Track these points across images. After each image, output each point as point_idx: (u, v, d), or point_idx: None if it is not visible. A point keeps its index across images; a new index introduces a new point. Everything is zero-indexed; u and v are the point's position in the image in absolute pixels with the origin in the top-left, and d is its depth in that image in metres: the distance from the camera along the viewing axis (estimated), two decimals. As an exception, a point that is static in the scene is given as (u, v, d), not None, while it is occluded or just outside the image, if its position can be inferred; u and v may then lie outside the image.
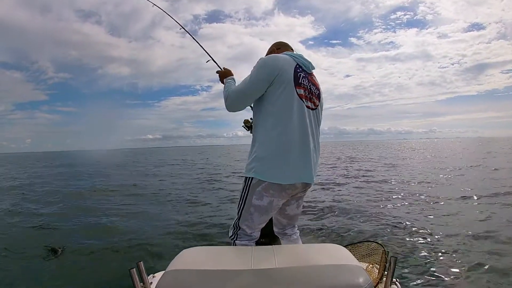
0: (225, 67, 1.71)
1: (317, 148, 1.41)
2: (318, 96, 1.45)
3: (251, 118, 1.94)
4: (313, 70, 1.48)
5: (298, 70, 1.36)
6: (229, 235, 1.43)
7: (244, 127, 2.01)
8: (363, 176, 10.71)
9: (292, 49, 1.61)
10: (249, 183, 1.31)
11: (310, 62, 1.44)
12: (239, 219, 1.38)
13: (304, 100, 1.35)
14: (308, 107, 1.36)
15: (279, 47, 1.60)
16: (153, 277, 1.19)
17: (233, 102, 1.44)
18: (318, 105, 1.43)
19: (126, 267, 1.02)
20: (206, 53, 2.06)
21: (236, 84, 1.52)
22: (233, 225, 1.41)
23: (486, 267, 2.88)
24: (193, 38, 2.28)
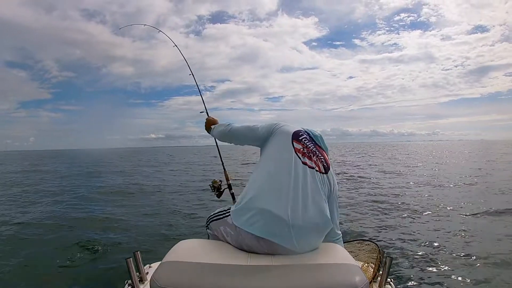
0: (213, 117, 1.80)
1: (315, 213, 1.13)
2: (325, 168, 1.28)
3: (220, 180, 1.99)
4: (327, 151, 1.38)
5: (301, 133, 1.32)
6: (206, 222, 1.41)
7: (210, 187, 1.99)
8: (363, 177, 10.56)
9: None
10: (227, 214, 1.24)
11: (322, 137, 1.38)
12: (210, 221, 1.33)
13: (300, 155, 1.22)
14: (305, 163, 1.21)
15: None
16: (149, 267, 1.18)
17: (229, 133, 1.52)
18: (323, 172, 1.25)
19: (123, 256, 1.02)
20: (201, 99, 2.22)
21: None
22: (207, 218, 1.37)
23: (480, 270, 2.85)
24: (194, 80, 2.43)
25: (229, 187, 2.01)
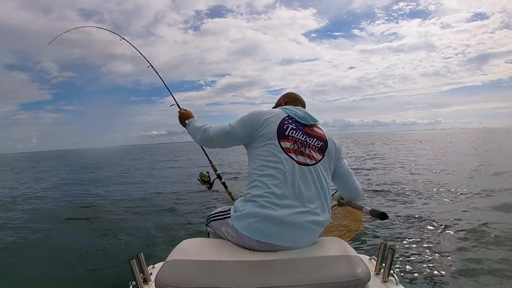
0: (185, 109, 1.70)
1: (314, 211, 1.16)
2: (321, 149, 1.26)
3: (207, 172, 1.99)
4: (317, 123, 1.33)
5: (286, 122, 1.25)
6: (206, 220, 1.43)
7: (199, 181, 1.98)
8: (368, 166, 10.54)
9: (302, 103, 1.49)
10: (227, 215, 1.24)
11: (307, 114, 1.30)
12: (211, 220, 1.35)
13: (292, 154, 1.19)
14: (299, 162, 1.19)
15: (288, 101, 1.48)
16: (153, 267, 1.19)
17: (207, 140, 1.42)
18: (319, 160, 1.24)
19: (126, 258, 1.02)
20: (170, 94, 2.15)
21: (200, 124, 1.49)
22: (207, 217, 1.40)
23: (486, 266, 2.79)
24: (158, 75, 2.36)
25: (219, 177, 2.01)
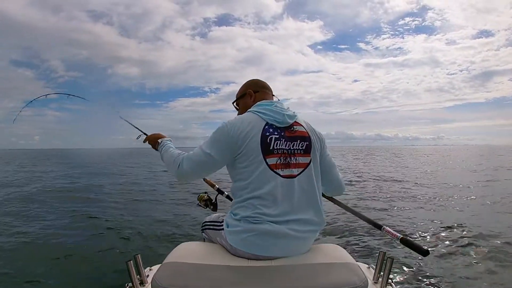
0: (153, 132, 1.52)
1: (308, 220, 1.14)
2: (307, 149, 1.19)
3: (205, 192, 1.80)
4: (296, 119, 1.22)
5: (268, 133, 1.14)
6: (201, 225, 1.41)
7: (200, 206, 1.79)
8: (373, 176, 10.55)
9: (271, 90, 1.38)
10: (221, 226, 1.21)
11: (285, 116, 1.18)
12: (206, 228, 1.34)
13: (279, 170, 1.12)
14: (286, 176, 1.12)
15: (257, 90, 1.34)
16: (150, 270, 1.19)
17: (184, 176, 1.22)
18: (306, 164, 1.17)
19: (123, 259, 1.03)
20: (132, 125, 1.83)
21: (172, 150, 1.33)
22: (203, 223, 1.38)
23: (486, 279, 2.79)
24: (127, 121, 1.93)
25: (219, 192, 1.85)
